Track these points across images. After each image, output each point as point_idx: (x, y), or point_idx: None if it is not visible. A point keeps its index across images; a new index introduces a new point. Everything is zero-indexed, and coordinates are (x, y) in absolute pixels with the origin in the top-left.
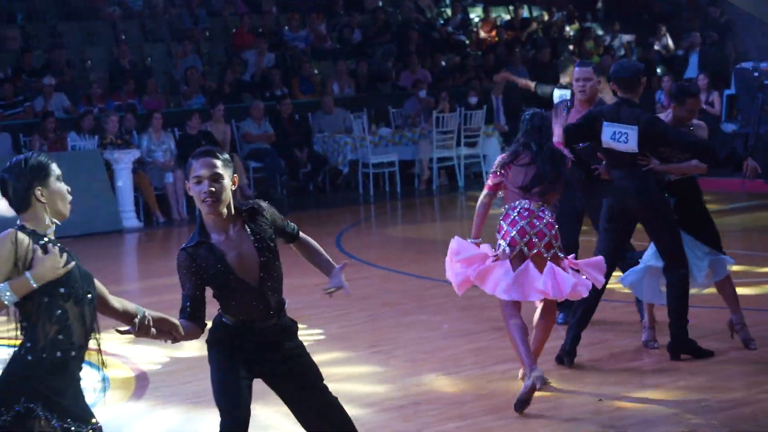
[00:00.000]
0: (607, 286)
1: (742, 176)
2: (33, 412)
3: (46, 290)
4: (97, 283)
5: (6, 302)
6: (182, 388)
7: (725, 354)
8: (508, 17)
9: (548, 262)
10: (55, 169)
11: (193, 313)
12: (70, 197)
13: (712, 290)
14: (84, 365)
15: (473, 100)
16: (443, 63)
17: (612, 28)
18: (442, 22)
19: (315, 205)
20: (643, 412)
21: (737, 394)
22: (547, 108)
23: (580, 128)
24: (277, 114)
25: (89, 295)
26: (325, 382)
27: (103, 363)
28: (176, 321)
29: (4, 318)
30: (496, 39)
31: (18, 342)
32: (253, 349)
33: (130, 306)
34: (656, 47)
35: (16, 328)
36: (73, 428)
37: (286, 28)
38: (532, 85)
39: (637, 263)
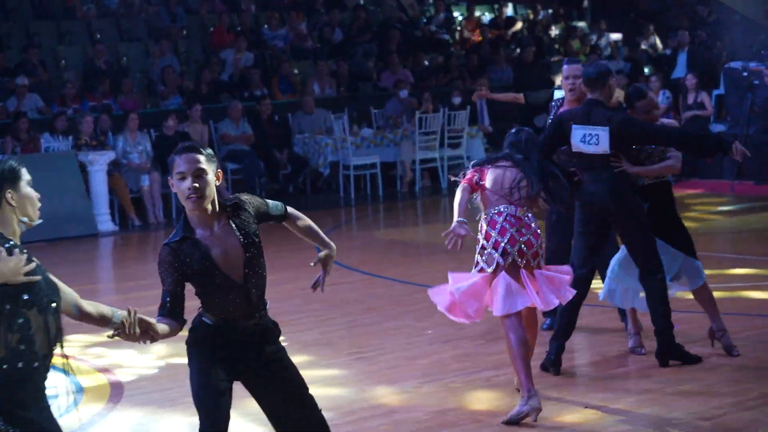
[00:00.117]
0: (590, 291)
1: (731, 159)
2: None
3: (7, 297)
4: (68, 289)
5: None
6: (159, 395)
7: (712, 360)
8: (492, 16)
9: (536, 272)
10: (26, 174)
11: (172, 309)
12: (39, 204)
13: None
14: (56, 372)
15: (457, 100)
16: (426, 62)
17: (598, 26)
18: (425, 20)
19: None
20: (630, 420)
21: (726, 400)
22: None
23: (552, 138)
24: (256, 114)
25: (53, 304)
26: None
27: (71, 369)
28: (152, 320)
29: None
30: (480, 38)
31: None
32: (234, 351)
33: (105, 309)
34: (643, 46)
35: None
36: None
37: (266, 26)
38: (520, 96)
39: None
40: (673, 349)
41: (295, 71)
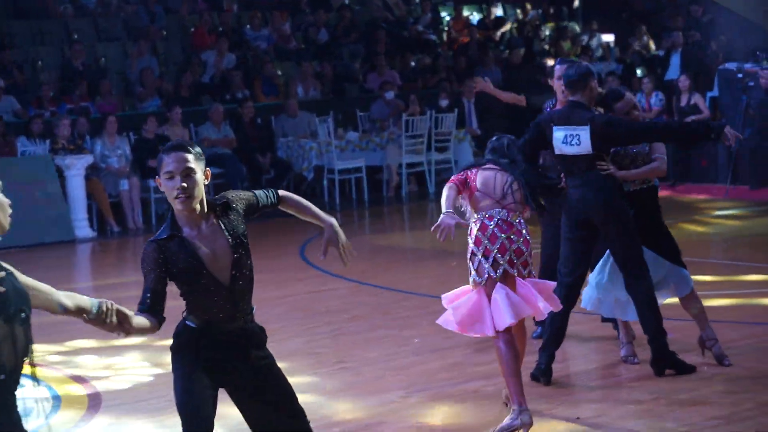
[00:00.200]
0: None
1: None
2: None
3: None
4: (47, 288)
5: None
6: (138, 405)
7: (706, 370)
8: (480, 16)
9: (527, 282)
10: None
11: (152, 305)
12: (10, 210)
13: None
14: (27, 382)
15: (444, 102)
16: (413, 63)
17: (590, 27)
18: (412, 20)
19: (279, 214)
20: None
21: (721, 411)
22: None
23: (533, 142)
24: (238, 117)
25: (23, 314)
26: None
27: (36, 378)
28: (129, 312)
29: None
30: (468, 39)
31: None
32: (219, 353)
33: (83, 301)
34: (636, 47)
35: None
36: None
37: (248, 26)
38: (522, 98)
39: None
40: (668, 357)
41: (279, 73)
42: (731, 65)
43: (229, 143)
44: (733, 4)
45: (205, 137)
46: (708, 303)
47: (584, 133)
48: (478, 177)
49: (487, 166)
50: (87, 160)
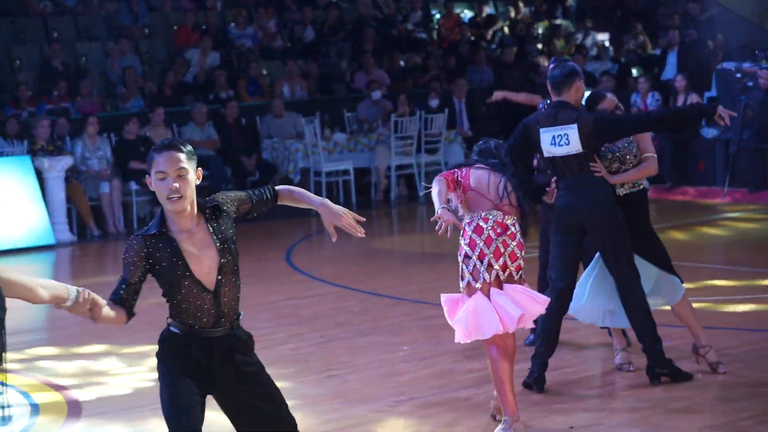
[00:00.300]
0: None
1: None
2: None
3: None
4: (23, 278)
5: None
6: (118, 414)
7: (702, 377)
8: (471, 14)
9: (520, 288)
10: None
11: (125, 297)
12: None
13: None
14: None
15: (434, 102)
16: (402, 63)
17: (584, 25)
18: (401, 18)
19: (263, 217)
20: None
21: (718, 420)
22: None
23: (518, 146)
24: (221, 118)
25: None
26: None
27: (5, 383)
28: (102, 302)
29: None
30: (459, 37)
31: None
32: (204, 358)
33: (60, 290)
34: (631, 46)
35: None
36: None
37: (232, 24)
38: (538, 97)
39: None
40: (664, 364)
41: (264, 72)
42: (729, 65)
43: (212, 144)
44: (731, 3)
45: (188, 138)
46: (706, 309)
47: (572, 132)
48: (471, 176)
49: (477, 165)
50: (67, 162)
